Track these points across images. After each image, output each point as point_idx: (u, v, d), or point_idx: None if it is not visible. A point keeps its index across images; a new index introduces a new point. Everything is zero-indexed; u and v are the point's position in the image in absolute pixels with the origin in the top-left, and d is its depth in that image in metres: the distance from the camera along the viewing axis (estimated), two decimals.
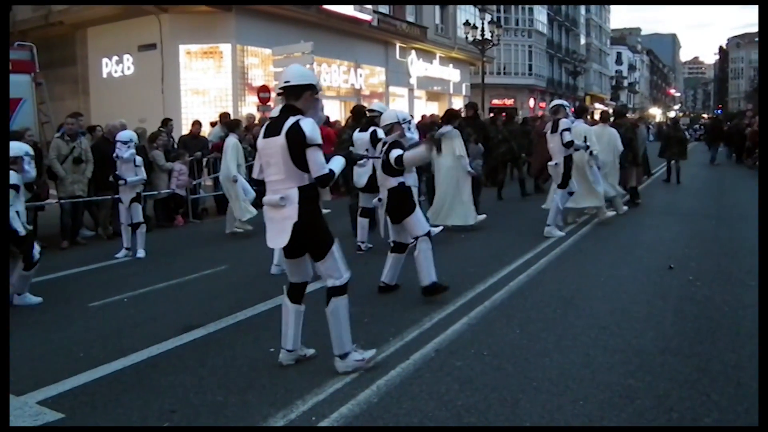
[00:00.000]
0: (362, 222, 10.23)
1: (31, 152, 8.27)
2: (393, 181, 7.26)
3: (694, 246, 10.19)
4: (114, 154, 10.24)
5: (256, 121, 16.58)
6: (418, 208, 7.38)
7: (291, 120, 4.90)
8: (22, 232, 7.57)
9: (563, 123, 10.85)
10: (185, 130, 17.05)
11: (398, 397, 4.72)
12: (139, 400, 4.85)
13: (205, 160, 15.08)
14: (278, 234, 5.05)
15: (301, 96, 5.03)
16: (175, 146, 14.81)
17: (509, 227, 12.09)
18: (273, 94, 18.15)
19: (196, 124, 15.81)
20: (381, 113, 9.92)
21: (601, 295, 7.41)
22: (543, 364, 5.34)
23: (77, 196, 11.59)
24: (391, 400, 4.68)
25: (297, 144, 4.86)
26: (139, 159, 10.39)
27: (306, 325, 5.40)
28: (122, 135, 10.38)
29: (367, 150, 9.65)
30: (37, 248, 7.81)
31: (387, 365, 5.33)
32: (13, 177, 7.52)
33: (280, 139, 4.88)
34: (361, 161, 9.69)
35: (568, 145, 10.74)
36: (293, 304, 5.30)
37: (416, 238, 7.21)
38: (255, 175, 5.36)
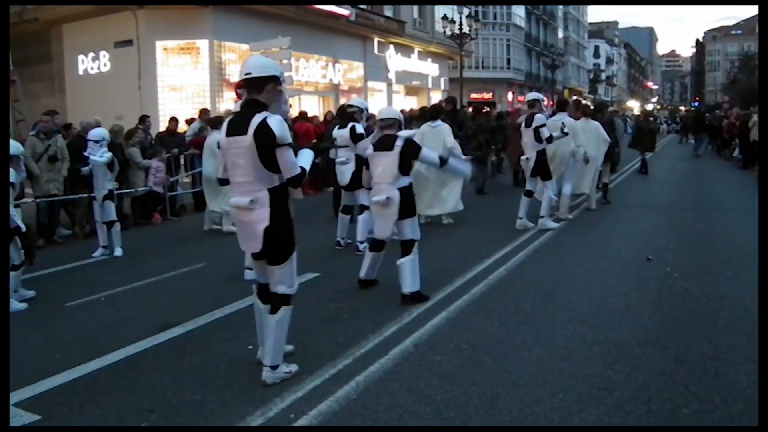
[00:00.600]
0: (343, 219, 10.14)
1: (25, 152, 8.29)
2: (405, 180, 7.06)
3: (672, 238, 10.26)
4: (85, 153, 10.13)
5: None
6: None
7: (258, 118, 4.65)
8: (23, 227, 7.61)
9: (539, 119, 10.77)
10: (163, 126, 16.94)
11: (377, 393, 4.71)
12: (117, 400, 4.81)
13: (182, 156, 14.96)
14: (250, 238, 4.87)
15: (263, 89, 4.79)
16: (152, 143, 14.68)
17: (488, 221, 12.07)
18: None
19: (173, 120, 15.73)
20: (360, 108, 10.06)
21: (580, 288, 7.43)
22: (522, 357, 5.35)
23: (53, 195, 11.48)
24: (370, 396, 4.67)
25: (266, 145, 4.64)
26: (108, 155, 10.18)
27: None
28: (93, 133, 10.23)
29: (347, 146, 9.61)
30: None
31: (366, 361, 5.32)
32: (12, 175, 7.53)
33: (248, 140, 4.64)
34: (343, 158, 9.66)
35: (549, 140, 10.69)
36: (264, 305, 5.09)
37: (410, 242, 7.06)
38: (219, 174, 5.18)
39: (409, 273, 6.97)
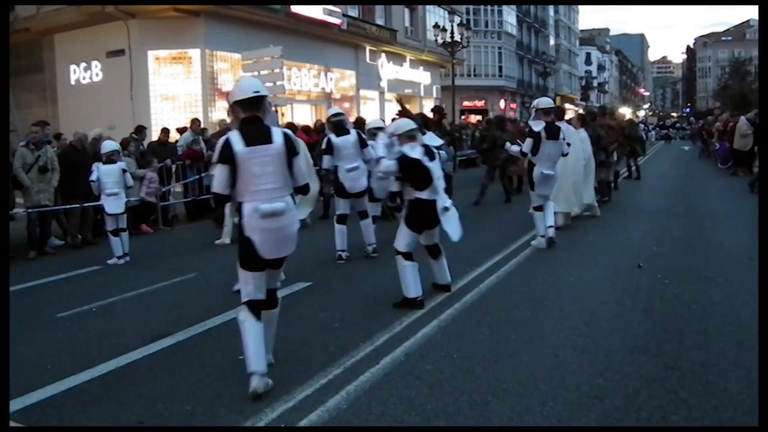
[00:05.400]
0: (340, 229, 9.78)
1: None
2: (413, 194, 7.10)
3: (662, 244, 10.25)
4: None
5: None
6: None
7: (276, 129, 4.99)
8: None
9: (570, 131, 10.04)
10: (155, 136, 16.95)
11: (368, 403, 4.70)
12: (107, 411, 4.79)
13: (174, 166, 14.96)
14: (282, 243, 5.02)
15: (262, 106, 5.02)
16: (143, 154, 14.67)
17: (479, 230, 12.04)
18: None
19: (164, 131, 15.75)
20: (343, 114, 10.00)
21: (571, 296, 7.44)
22: (513, 365, 5.35)
23: (43, 206, 11.47)
24: (361, 406, 4.66)
25: (292, 151, 4.98)
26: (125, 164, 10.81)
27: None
28: (103, 146, 10.76)
29: (351, 153, 9.52)
30: None
31: (356, 370, 5.31)
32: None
33: (276, 147, 4.89)
34: (354, 164, 9.47)
35: (565, 154, 10.15)
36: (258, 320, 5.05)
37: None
38: (221, 189, 4.88)
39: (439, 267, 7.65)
